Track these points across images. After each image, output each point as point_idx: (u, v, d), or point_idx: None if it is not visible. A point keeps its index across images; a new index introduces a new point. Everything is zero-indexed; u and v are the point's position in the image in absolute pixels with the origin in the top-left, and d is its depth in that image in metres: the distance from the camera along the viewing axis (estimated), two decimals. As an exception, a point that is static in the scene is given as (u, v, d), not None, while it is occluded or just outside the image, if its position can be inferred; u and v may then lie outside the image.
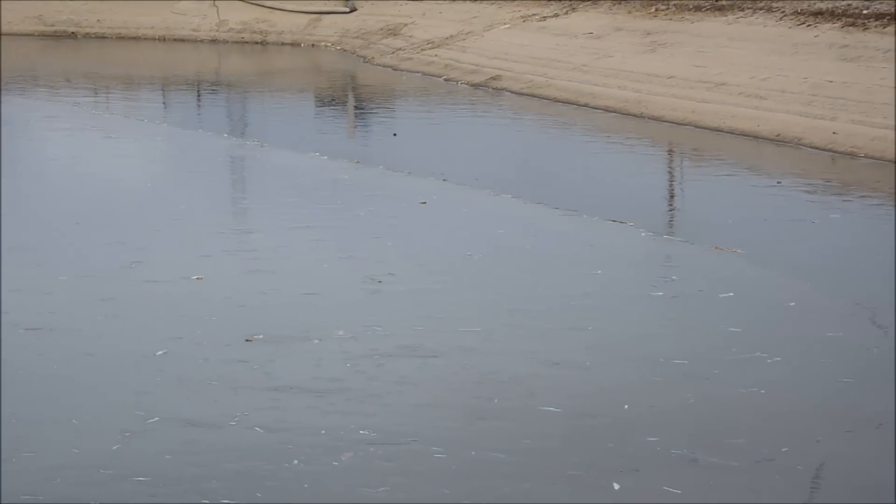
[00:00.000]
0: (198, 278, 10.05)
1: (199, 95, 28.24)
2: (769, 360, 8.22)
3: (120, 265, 10.45)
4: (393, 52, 36.53)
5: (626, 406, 7.42)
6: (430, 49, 35.02)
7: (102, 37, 42.89)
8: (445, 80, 30.13)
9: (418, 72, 32.29)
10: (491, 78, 28.35)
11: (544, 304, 9.65)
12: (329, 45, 42.43)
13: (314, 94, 29.21)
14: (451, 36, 35.85)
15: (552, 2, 35.14)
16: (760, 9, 24.60)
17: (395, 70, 33.42)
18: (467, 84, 28.80)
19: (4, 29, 42.13)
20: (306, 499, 6.21)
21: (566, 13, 32.87)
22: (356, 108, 26.39)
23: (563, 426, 7.13)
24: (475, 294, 9.92)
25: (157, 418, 7.07)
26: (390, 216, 12.92)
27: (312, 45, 42.74)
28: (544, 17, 33.70)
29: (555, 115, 22.36)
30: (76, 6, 44.47)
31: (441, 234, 12.21)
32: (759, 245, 11.56)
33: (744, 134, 18.17)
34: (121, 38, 42.94)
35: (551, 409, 7.37)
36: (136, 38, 42.99)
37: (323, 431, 6.95)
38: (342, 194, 14.22)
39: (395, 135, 19.61)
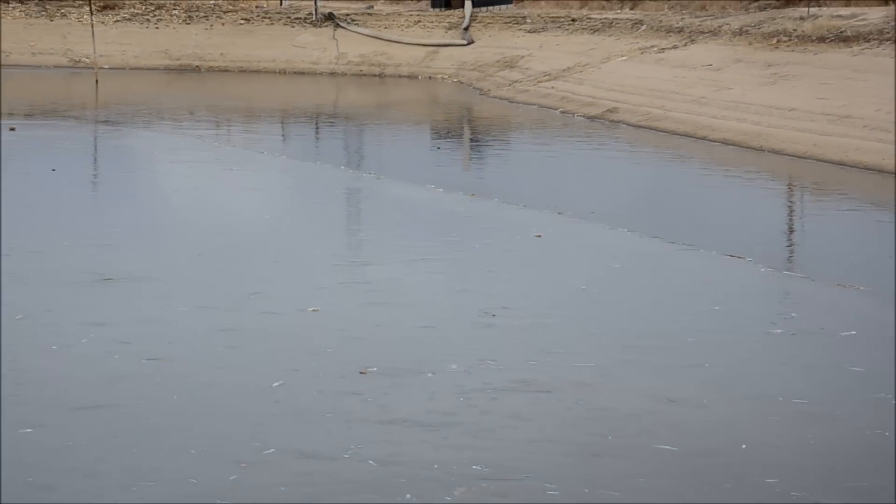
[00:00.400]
0: (314, 310, 10.15)
1: (317, 128, 28.64)
2: (894, 402, 7.99)
3: (239, 296, 10.61)
4: (509, 85, 36.63)
5: (744, 446, 7.27)
6: (546, 81, 35.03)
7: (225, 70, 43.82)
8: (561, 112, 30.09)
9: (534, 104, 32.31)
10: (607, 110, 28.23)
11: (660, 339, 9.53)
12: (446, 77, 42.73)
13: (430, 126, 29.40)
14: (568, 68, 35.82)
15: (671, 34, 34.90)
16: (886, 40, 24.10)
17: (511, 102, 33.49)
18: (583, 116, 28.72)
19: (132, 63, 43.33)
20: (419, 534, 6.20)
21: (685, 45, 32.62)
22: (472, 140, 26.49)
23: (680, 465, 7.01)
24: (590, 328, 9.84)
25: (272, 449, 7.13)
26: (505, 249, 12.91)
27: (429, 77, 43.08)
28: (663, 48, 33.50)
29: (672, 148, 22.16)
30: (200, 41, 45.54)
31: (556, 268, 12.15)
32: (885, 282, 11.27)
33: (868, 168, 17.78)
34: (242, 71, 43.82)
35: (667, 446, 7.26)
36: (257, 72, 43.82)
37: (436, 465, 6.94)
38: (457, 227, 14.25)
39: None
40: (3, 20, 44.84)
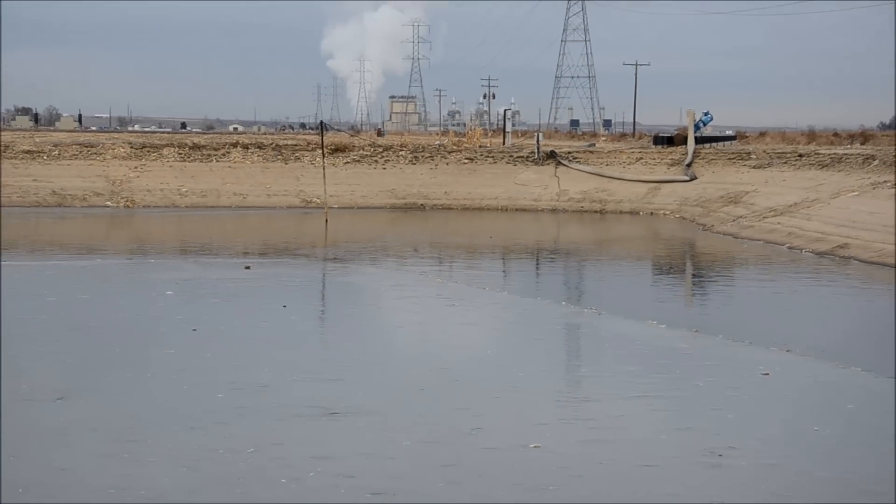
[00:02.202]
0: (535, 446, 10.06)
1: (537, 263, 28.81)
2: None
3: (460, 431, 10.62)
4: (733, 220, 36.13)
5: None
6: (772, 217, 34.45)
7: (448, 208, 44.77)
8: (789, 248, 29.43)
9: (760, 240, 31.72)
10: (838, 246, 27.47)
11: (900, 485, 9.04)
12: (668, 213, 42.49)
13: (651, 261, 29.18)
14: (795, 203, 35.17)
15: (904, 167, 33.92)
16: None
17: (736, 238, 32.98)
18: (812, 252, 28.00)
19: (360, 202, 44.81)
20: None
21: (920, 178, 31.63)
22: (694, 275, 26.13)
23: None
24: (823, 471, 9.42)
25: (493, 588, 7.02)
26: (731, 387, 12.57)
27: (651, 213, 42.92)
28: None
29: (907, 284, 21.29)
30: (426, 180, 46.78)
31: (785, 407, 11.74)
32: None
33: None
34: (465, 208, 44.68)
35: None
36: (479, 209, 44.60)
37: None
38: (680, 364, 13.98)
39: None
40: (242, 165, 47.20)
